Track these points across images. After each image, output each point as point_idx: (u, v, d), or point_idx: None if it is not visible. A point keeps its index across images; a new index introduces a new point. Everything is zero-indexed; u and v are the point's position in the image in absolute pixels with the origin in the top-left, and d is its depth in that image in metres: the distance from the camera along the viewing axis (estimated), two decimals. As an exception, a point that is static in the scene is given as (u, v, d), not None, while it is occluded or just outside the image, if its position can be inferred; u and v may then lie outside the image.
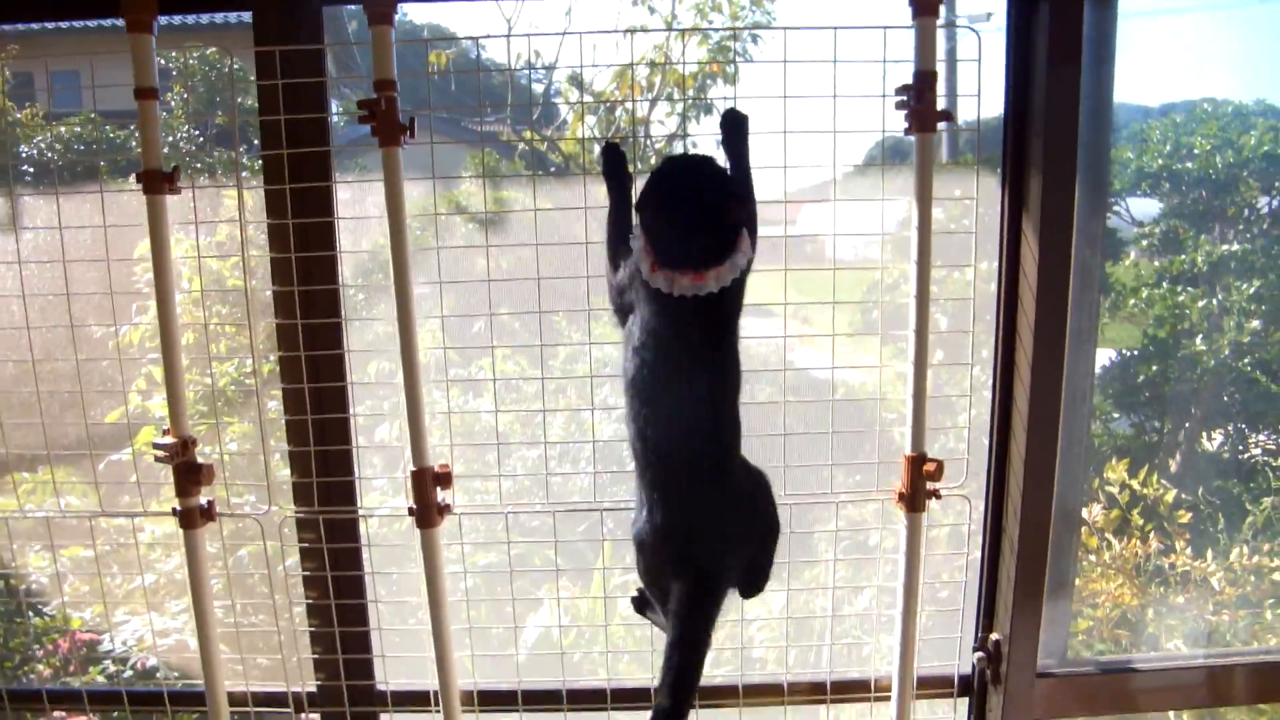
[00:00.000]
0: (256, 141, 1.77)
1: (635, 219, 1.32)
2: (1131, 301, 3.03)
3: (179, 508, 1.59)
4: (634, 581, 1.45)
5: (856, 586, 1.97)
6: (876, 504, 1.70)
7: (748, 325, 1.36)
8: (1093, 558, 2.65)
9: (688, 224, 1.28)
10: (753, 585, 1.44)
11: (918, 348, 1.47)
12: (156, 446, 1.57)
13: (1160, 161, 2.90)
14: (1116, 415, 3.15)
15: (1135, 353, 3.06)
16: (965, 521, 1.64)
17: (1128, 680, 1.69)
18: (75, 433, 1.83)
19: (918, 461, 1.49)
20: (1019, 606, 1.58)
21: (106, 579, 2.40)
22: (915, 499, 1.51)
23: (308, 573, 1.70)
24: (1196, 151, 2.86)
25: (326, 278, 1.57)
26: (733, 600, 1.46)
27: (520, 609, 1.77)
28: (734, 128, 1.39)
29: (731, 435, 1.34)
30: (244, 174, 1.78)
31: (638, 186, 1.35)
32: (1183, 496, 2.78)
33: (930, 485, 1.51)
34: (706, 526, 1.33)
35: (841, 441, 1.64)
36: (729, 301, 1.30)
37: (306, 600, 1.73)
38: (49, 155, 3.17)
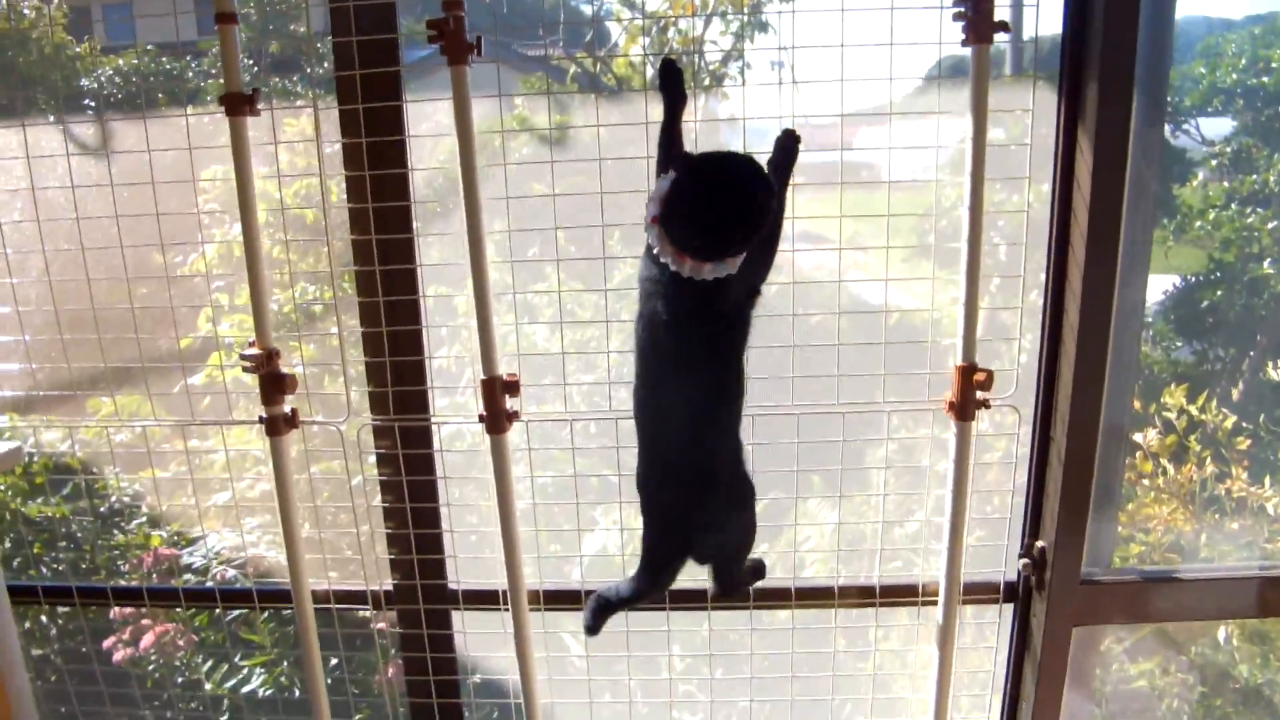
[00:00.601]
0: (310, 69, 1.84)
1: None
2: (1198, 224, 2.96)
3: (265, 415, 1.71)
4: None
5: (907, 511, 2.03)
6: (927, 429, 1.75)
7: (802, 253, 1.39)
8: (1146, 482, 2.65)
9: (715, 222, 1.26)
10: (722, 579, 1.53)
11: (970, 257, 1.50)
12: (244, 358, 1.68)
13: (1234, 76, 2.80)
14: (1179, 343, 3.11)
15: (1199, 278, 3.00)
16: (1014, 433, 1.68)
17: (1171, 589, 1.72)
18: (146, 357, 1.94)
19: (968, 371, 1.54)
20: (1065, 514, 1.62)
21: (183, 500, 2.57)
22: (965, 408, 1.55)
23: (384, 478, 1.81)
24: (1275, 65, 2.75)
25: (398, 194, 1.65)
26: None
27: (582, 520, 1.86)
28: (787, 150, 1.38)
29: (720, 428, 1.40)
30: (302, 101, 1.86)
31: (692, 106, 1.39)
32: (1243, 425, 2.75)
33: (980, 395, 1.55)
34: (680, 493, 1.42)
35: (894, 363, 1.67)
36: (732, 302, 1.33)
37: (383, 504, 1.84)
38: (109, 89, 3.26)
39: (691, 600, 1.79)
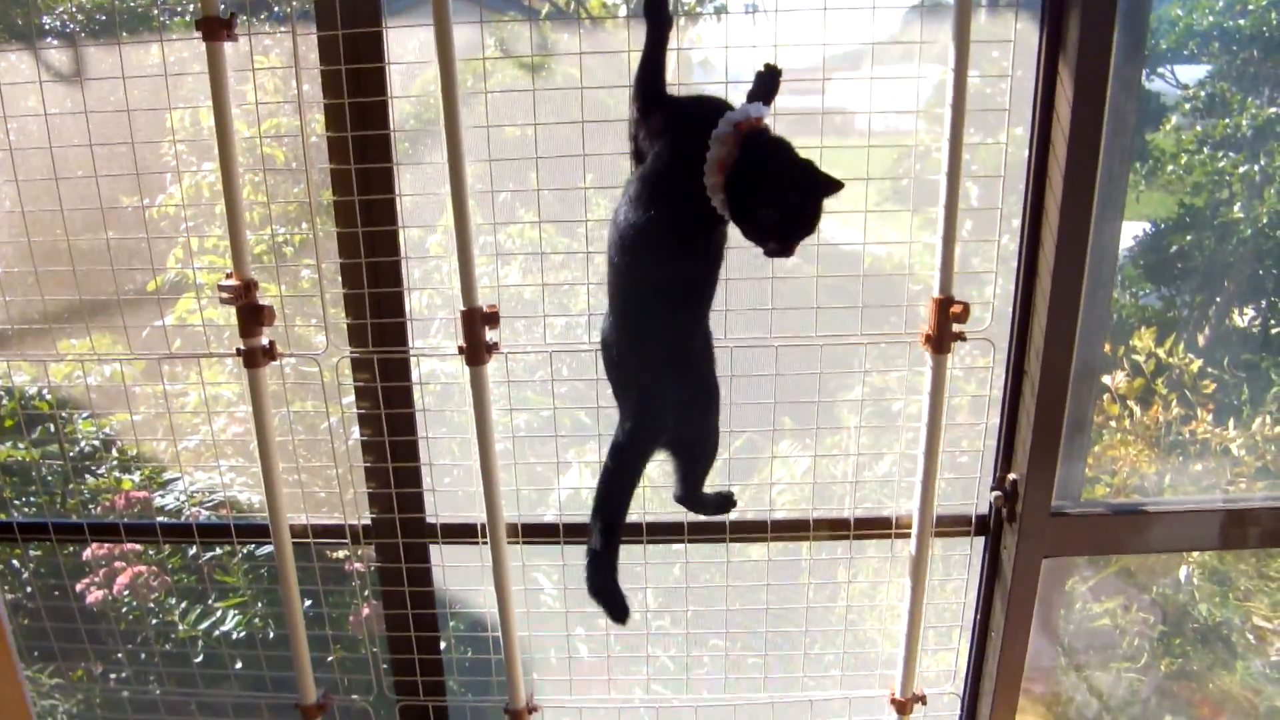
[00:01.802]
0: (278, 8, 1.79)
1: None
2: (1169, 169, 2.99)
3: (243, 347, 1.70)
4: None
5: (878, 455, 2.06)
6: (900, 372, 1.77)
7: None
8: (1113, 424, 2.71)
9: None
10: (687, 480, 1.57)
11: (949, 189, 1.51)
12: (221, 288, 1.66)
13: (1211, 19, 2.81)
14: (1148, 289, 3.15)
15: (1169, 223, 3.03)
16: (988, 367, 1.70)
17: (1138, 521, 1.77)
18: (112, 302, 1.91)
19: (944, 304, 1.55)
20: (1037, 447, 1.65)
21: (154, 444, 2.55)
22: (941, 340, 1.57)
23: (362, 411, 1.81)
24: (1251, 7, 2.75)
25: (379, 123, 1.62)
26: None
27: (553, 464, 1.88)
28: (768, 83, 1.40)
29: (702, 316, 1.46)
30: (280, 31, 1.82)
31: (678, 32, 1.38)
32: (1208, 369, 2.81)
33: (955, 328, 1.57)
34: (658, 354, 1.45)
35: (869, 306, 1.69)
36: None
37: (361, 438, 1.84)
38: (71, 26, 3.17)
39: (668, 533, 1.81)
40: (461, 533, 1.84)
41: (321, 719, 1.96)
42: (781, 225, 1.31)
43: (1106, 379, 2.67)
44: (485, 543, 1.76)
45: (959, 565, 1.91)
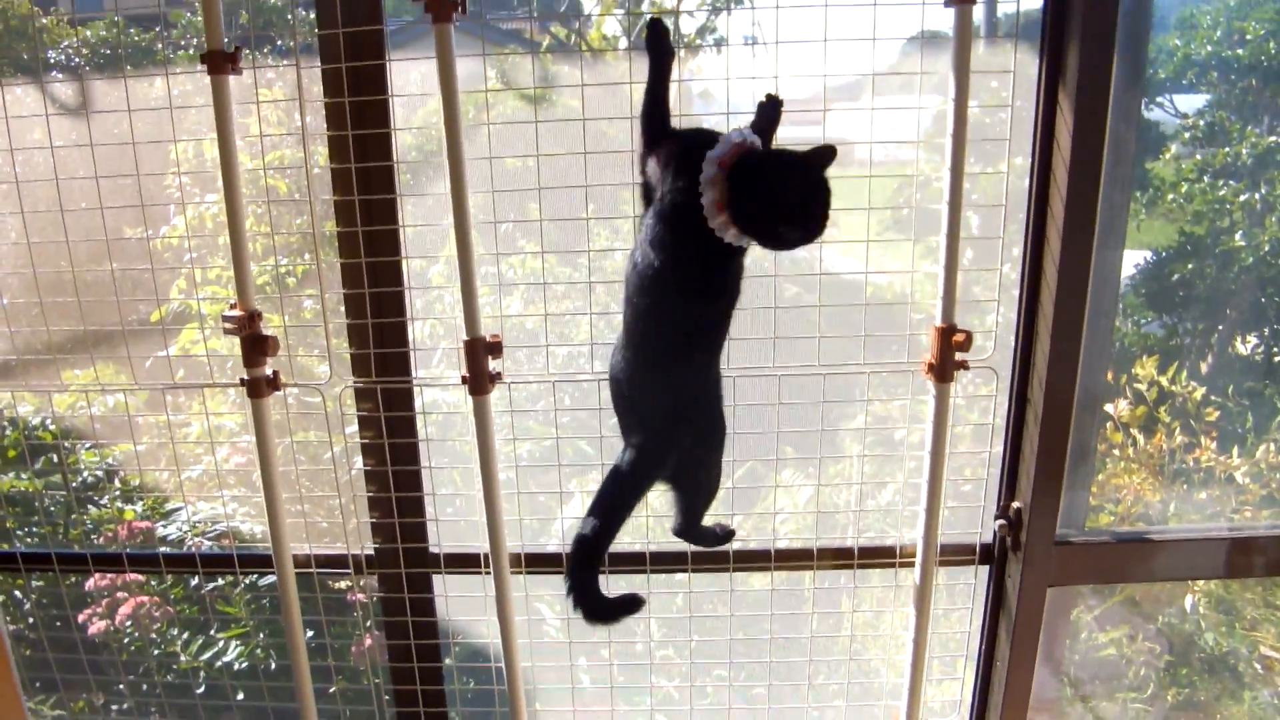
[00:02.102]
0: (281, 42, 1.81)
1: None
2: (1170, 197, 3.01)
3: (246, 377, 1.70)
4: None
5: (880, 484, 2.05)
6: (902, 400, 1.78)
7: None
8: (1116, 452, 2.70)
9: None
10: (688, 513, 1.57)
11: (951, 218, 1.52)
12: (225, 319, 1.66)
13: (1209, 48, 2.84)
14: (1150, 317, 3.16)
15: (1170, 252, 3.05)
16: (991, 395, 1.70)
17: (1143, 550, 1.76)
18: (116, 332, 1.92)
19: (947, 332, 1.55)
20: (1040, 475, 1.65)
21: (156, 474, 2.55)
22: (944, 369, 1.58)
23: (365, 441, 1.81)
24: (1249, 37, 2.78)
25: (382, 154, 1.64)
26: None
27: (561, 487, 1.88)
28: (769, 114, 1.42)
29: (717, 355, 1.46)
30: (284, 64, 1.84)
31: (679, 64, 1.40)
32: (1211, 397, 2.81)
33: (958, 356, 1.57)
34: (673, 394, 1.45)
35: (872, 342, 1.69)
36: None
37: (365, 467, 1.84)
38: (76, 60, 3.22)
39: (671, 562, 1.81)
40: (465, 562, 1.84)
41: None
42: (804, 227, 1.31)
43: (1109, 407, 2.67)
44: (488, 572, 1.75)
45: (963, 594, 1.90)
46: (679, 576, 2.11)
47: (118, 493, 2.73)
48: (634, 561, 1.80)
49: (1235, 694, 2.59)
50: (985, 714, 1.90)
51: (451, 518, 1.91)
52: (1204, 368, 3.05)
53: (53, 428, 2.57)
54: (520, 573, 1.80)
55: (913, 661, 1.78)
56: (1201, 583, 2.55)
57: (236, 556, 1.99)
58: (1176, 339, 3.05)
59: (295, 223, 1.98)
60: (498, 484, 1.69)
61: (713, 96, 1.82)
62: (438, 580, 1.87)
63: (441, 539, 1.85)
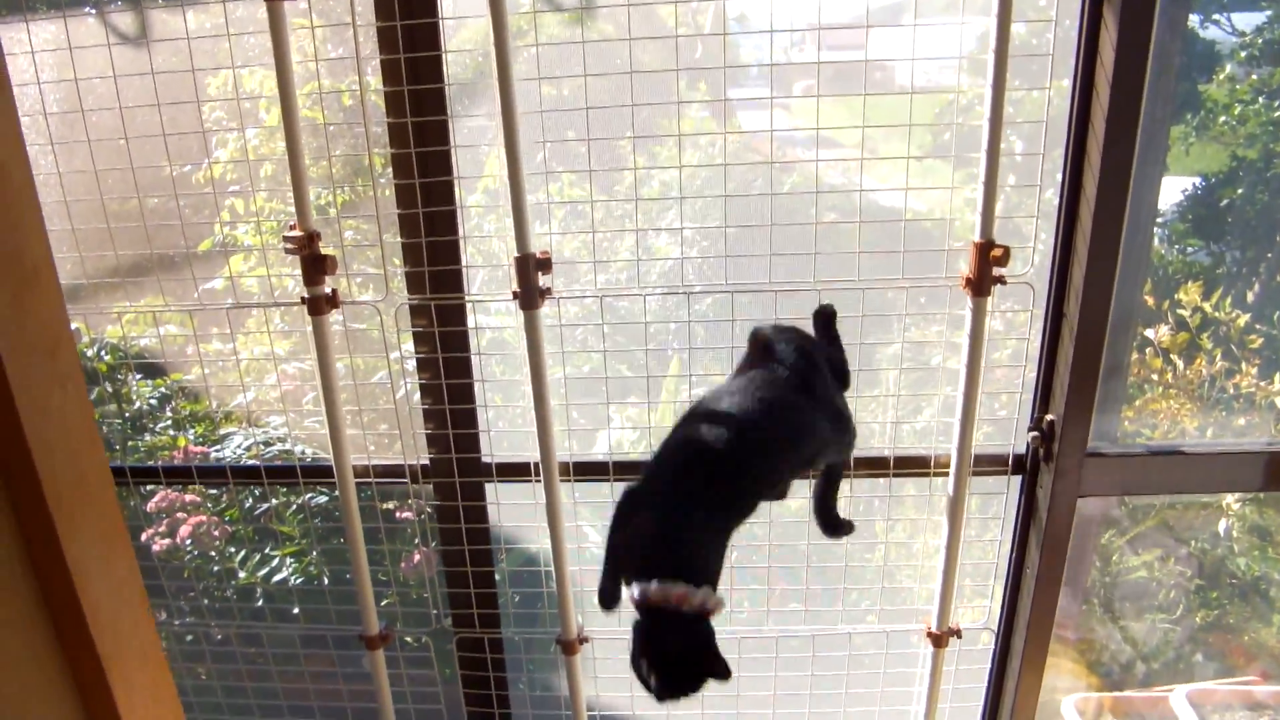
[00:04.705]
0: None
1: None
2: (1222, 119, 2.94)
3: (307, 295, 1.78)
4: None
5: (915, 409, 2.09)
6: (939, 326, 1.81)
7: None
8: (1155, 377, 2.71)
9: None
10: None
11: (991, 134, 1.54)
12: (286, 239, 1.74)
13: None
14: (1195, 244, 3.11)
15: (1220, 177, 2.99)
16: (1028, 311, 1.73)
17: (1176, 461, 1.80)
18: (166, 261, 2.00)
19: (985, 247, 1.59)
20: (1074, 388, 1.69)
21: (208, 401, 2.65)
22: (981, 283, 1.61)
23: (421, 355, 1.89)
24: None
25: (433, 77, 1.69)
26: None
27: (597, 418, 1.94)
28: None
29: None
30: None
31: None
32: (1255, 326, 2.79)
33: (995, 271, 1.60)
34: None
35: (910, 266, 1.72)
36: None
37: (420, 381, 1.92)
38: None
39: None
40: (516, 471, 1.92)
41: (383, 650, 2.07)
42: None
43: (1150, 332, 2.66)
44: (538, 480, 1.84)
45: (995, 511, 1.94)
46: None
47: (170, 420, 2.84)
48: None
49: (1265, 617, 2.62)
50: (1014, 619, 1.96)
51: (503, 430, 1.99)
52: (1250, 295, 3.02)
53: (107, 357, 2.68)
54: (569, 480, 1.88)
55: (944, 567, 1.84)
56: (1235, 507, 2.58)
57: (300, 469, 2.10)
58: (1223, 267, 3.01)
59: (336, 153, 2.03)
60: (548, 396, 1.77)
61: (749, 19, 1.84)
62: (490, 489, 1.96)
63: (494, 449, 1.94)
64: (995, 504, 1.94)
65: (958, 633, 1.91)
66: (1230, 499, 2.56)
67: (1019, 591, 1.92)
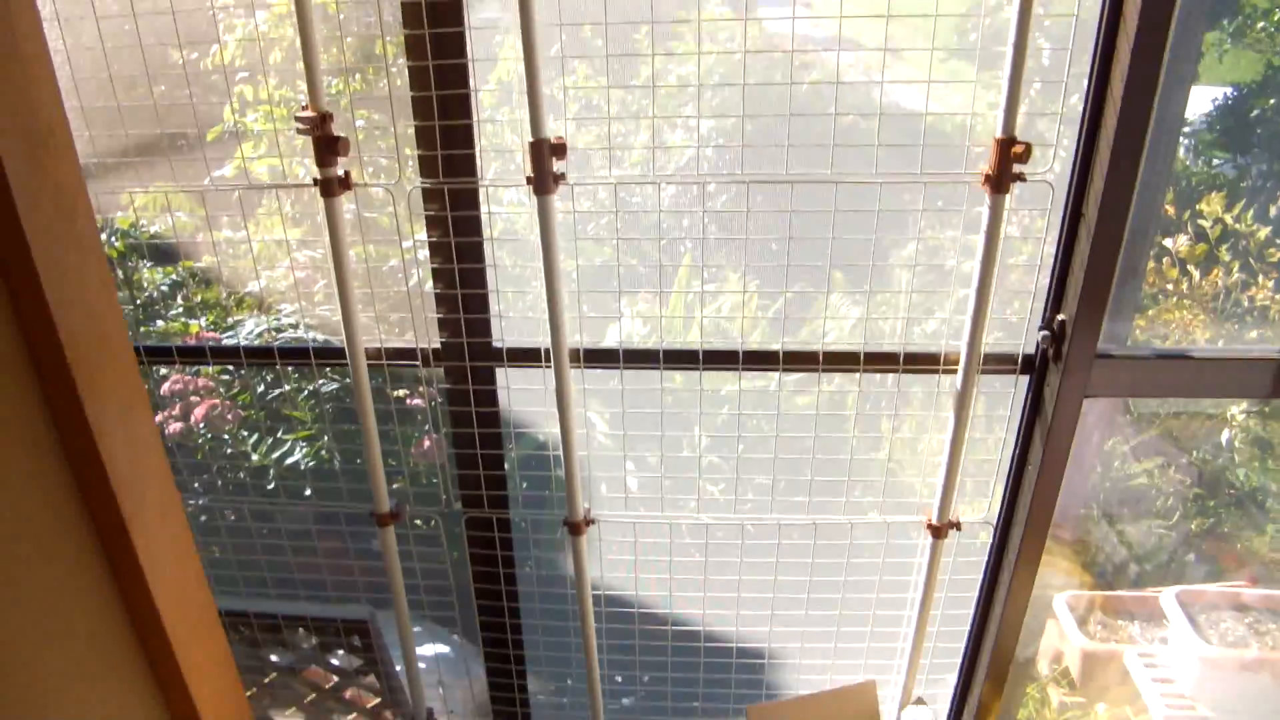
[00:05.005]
0: None
1: None
2: (1260, 25, 2.85)
3: (319, 177, 1.77)
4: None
5: (927, 310, 2.09)
6: (954, 231, 1.80)
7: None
8: (1170, 287, 2.69)
9: None
10: None
11: (1019, 28, 1.50)
12: (298, 119, 1.72)
13: None
14: (1222, 156, 3.05)
15: (1252, 87, 2.91)
16: (1045, 211, 1.72)
17: (1185, 366, 1.80)
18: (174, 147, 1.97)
19: (1006, 144, 1.56)
20: (1088, 288, 1.68)
21: (219, 289, 2.66)
22: (1000, 180, 1.59)
23: (433, 239, 1.89)
24: None
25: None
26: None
27: (607, 310, 1.95)
28: None
29: None
30: None
31: None
32: (1276, 240, 2.75)
33: (1015, 168, 1.58)
34: None
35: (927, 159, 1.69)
36: None
37: (432, 265, 1.92)
38: None
39: (724, 361, 1.89)
40: (527, 356, 1.94)
41: (393, 527, 2.13)
42: None
43: (1169, 242, 2.64)
44: (549, 366, 1.86)
45: (1001, 413, 1.96)
46: (726, 390, 2.21)
47: (181, 308, 2.86)
48: (685, 360, 1.89)
49: (1259, 526, 2.67)
50: (1012, 520, 2.00)
51: (514, 315, 2.00)
52: (1273, 209, 2.98)
53: (117, 244, 2.68)
54: (579, 367, 1.90)
55: (947, 464, 1.87)
56: (1240, 418, 2.60)
57: (312, 350, 2.12)
58: (1248, 180, 2.95)
59: (346, 41, 1.98)
60: (560, 281, 1.78)
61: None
62: (500, 373, 1.98)
63: (505, 334, 1.95)
64: (1001, 407, 1.96)
65: (957, 525, 1.95)
66: (1235, 410, 2.57)
67: (1019, 488, 1.95)
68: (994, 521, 2.03)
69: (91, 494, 1.04)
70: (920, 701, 2.27)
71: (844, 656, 2.27)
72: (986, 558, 2.10)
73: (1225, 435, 2.64)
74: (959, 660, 2.27)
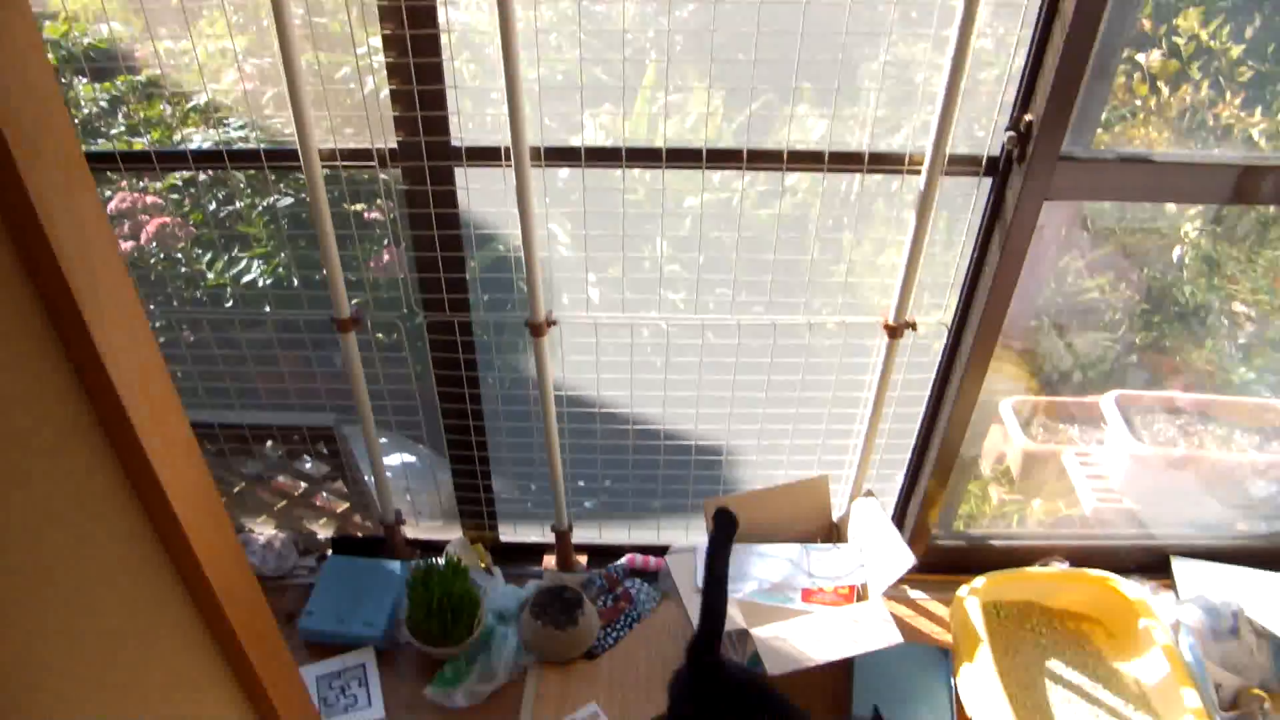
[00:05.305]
0: None
1: None
2: None
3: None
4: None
5: (894, 126, 2.05)
6: (925, 44, 1.74)
7: None
8: (1139, 103, 2.67)
9: None
10: None
11: None
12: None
13: None
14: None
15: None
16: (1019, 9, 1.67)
17: (1145, 170, 1.82)
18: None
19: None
20: (1057, 88, 1.66)
21: (161, 106, 2.52)
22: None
23: (387, 32, 1.79)
24: None
25: None
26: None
27: (572, 119, 1.88)
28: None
29: None
30: None
31: None
32: (1248, 60, 2.72)
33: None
34: None
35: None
36: None
37: (386, 60, 1.83)
38: None
39: (687, 159, 1.86)
40: (486, 155, 1.89)
41: (355, 334, 2.13)
42: None
43: (1141, 57, 2.59)
44: (509, 165, 1.81)
45: (962, 226, 1.97)
46: (689, 202, 2.19)
47: (123, 127, 2.72)
48: (650, 158, 1.85)
49: (1199, 341, 2.77)
50: (966, 321, 2.05)
51: (472, 113, 1.94)
52: (1249, 30, 2.93)
53: (50, 57, 2.51)
54: (539, 165, 1.86)
55: (906, 264, 1.90)
56: (1192, 235, 2.64)
57: (263, 152, 2.04)
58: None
59: None
60: (520, 76, 1.71)
61: None
62: (459, 173, 1.94)
63: (463, 131, 1.89)
64: (963, 221, 1.97)
65: (913, 325, 2.00)
66: (1188, 227, 2.62)
67: (975, 291, 1.99)
68: (949, 323, 2.08)
69: (41, 272, 1.01)
70: (870, 494, 2.39)
71: (799, 453, 2.36)
72: (939, 359, 2.16)
73: (1177, 252, 2.69)
74: (907, 456, 2.38)
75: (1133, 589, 2.26)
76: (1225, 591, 2.30)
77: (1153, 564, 2.54)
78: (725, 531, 1.81)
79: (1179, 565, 2.50)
